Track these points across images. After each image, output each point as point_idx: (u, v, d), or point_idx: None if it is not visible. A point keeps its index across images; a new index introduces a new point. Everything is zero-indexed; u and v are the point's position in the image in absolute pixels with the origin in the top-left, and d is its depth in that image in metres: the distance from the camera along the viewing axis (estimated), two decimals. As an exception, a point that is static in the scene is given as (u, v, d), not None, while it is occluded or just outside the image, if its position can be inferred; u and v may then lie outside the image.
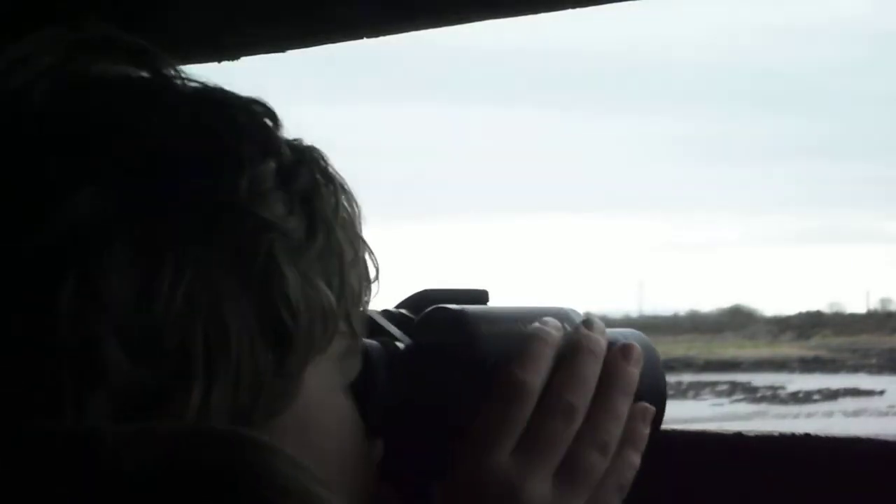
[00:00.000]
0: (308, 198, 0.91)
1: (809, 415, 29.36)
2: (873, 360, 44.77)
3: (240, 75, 0.94)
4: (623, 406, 1.00)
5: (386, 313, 1.04)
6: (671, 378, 38.78)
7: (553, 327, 1.00)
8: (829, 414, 29.56)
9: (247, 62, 1.70)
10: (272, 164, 0.89)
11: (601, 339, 1.01)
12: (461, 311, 1.00)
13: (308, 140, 0.95)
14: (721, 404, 32.44)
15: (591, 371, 0.99)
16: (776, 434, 1.26)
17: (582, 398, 0.98)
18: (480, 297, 1.05)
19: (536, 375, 0.97)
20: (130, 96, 0.91)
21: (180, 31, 1.55)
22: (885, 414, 29.35)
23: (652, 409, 1.02)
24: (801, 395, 33.88)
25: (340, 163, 0.95)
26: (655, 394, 1.05)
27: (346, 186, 0.95)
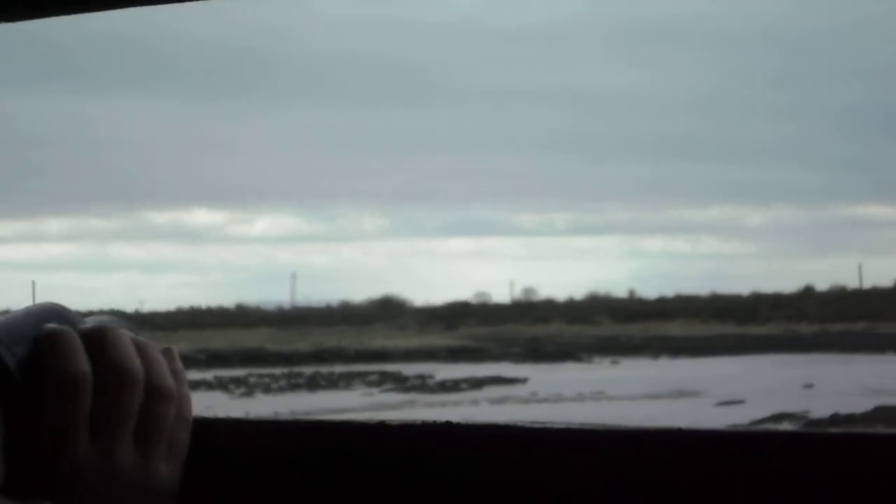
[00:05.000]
0: None
1: (457, 403, 30.13)
2: (517, 349, 46.33)
3: None
4: (156, 352, 1.14)
5: None
6: (323, 369, 39.12)
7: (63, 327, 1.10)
8: (476, 402, 30.44)
9: None
10: None
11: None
12: None
13: None
14: (371, 394, 32.91)
15: (126, 342, 1.11)
16: (419, 423, 1.29)
17: (132, 362, 1.10)
18: None
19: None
20: None
21: None
22: (528, 401, 30.46)
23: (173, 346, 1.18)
24: (448, 383, 34.73)
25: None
26: None
27: None
